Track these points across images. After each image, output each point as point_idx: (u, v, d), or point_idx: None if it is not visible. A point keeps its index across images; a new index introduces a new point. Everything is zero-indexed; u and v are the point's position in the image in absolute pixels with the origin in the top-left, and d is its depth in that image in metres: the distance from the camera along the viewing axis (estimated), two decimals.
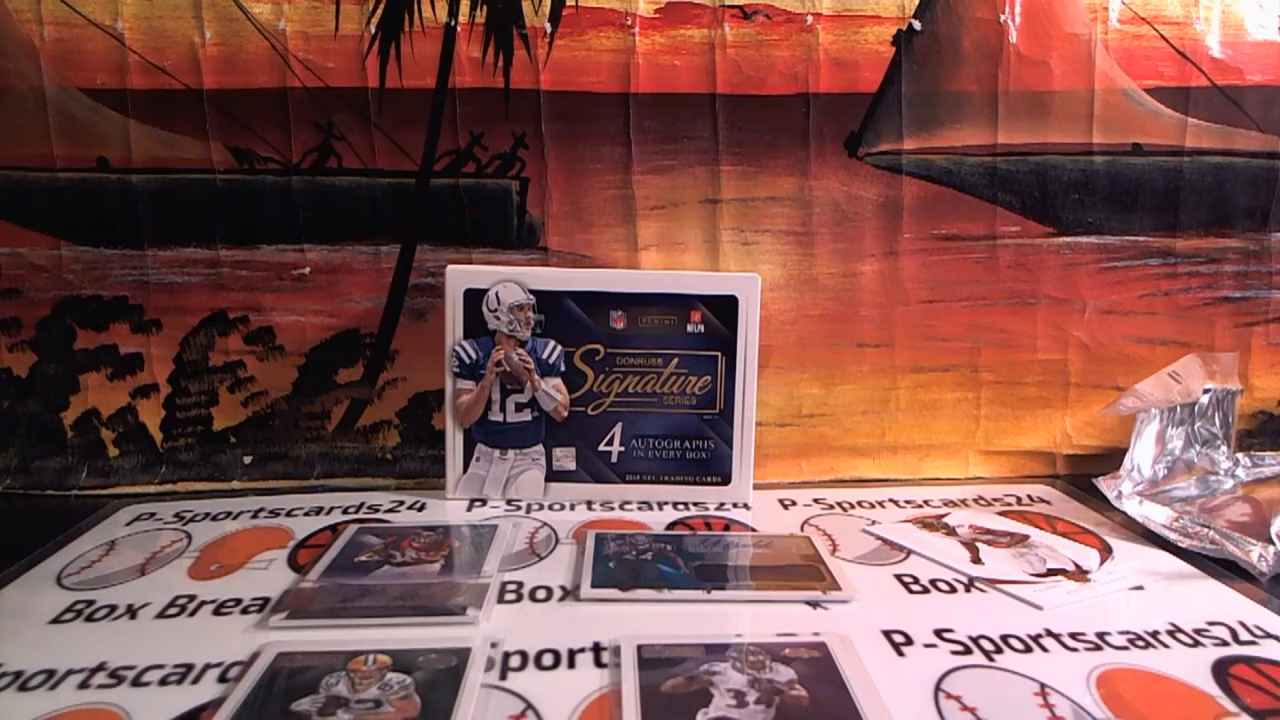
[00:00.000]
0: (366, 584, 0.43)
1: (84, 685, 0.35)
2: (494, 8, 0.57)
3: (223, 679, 0.35)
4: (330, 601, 0.41)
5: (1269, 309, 0.63)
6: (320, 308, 0.60)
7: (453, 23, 0.57)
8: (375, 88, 0.57)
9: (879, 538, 0.50)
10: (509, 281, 0.54)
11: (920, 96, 0.59)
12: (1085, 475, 0.57)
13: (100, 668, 0.36)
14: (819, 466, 0.63)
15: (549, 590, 0.43)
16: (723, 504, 0.56)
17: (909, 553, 0.48)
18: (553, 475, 0.56)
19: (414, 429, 0.62)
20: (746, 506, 0.55)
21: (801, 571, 0.45)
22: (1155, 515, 0.51)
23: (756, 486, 0.57)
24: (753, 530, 0.52)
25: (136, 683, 0.35)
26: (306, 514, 0.54)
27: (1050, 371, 0.63)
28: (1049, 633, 0.39)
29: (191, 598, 0.42)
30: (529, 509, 0.55)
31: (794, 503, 0.57)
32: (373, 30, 0.57)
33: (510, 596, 0.42)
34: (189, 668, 0.36)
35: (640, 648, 0.36)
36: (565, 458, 0.56)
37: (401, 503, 0.56)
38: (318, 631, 0.39)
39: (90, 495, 0.59)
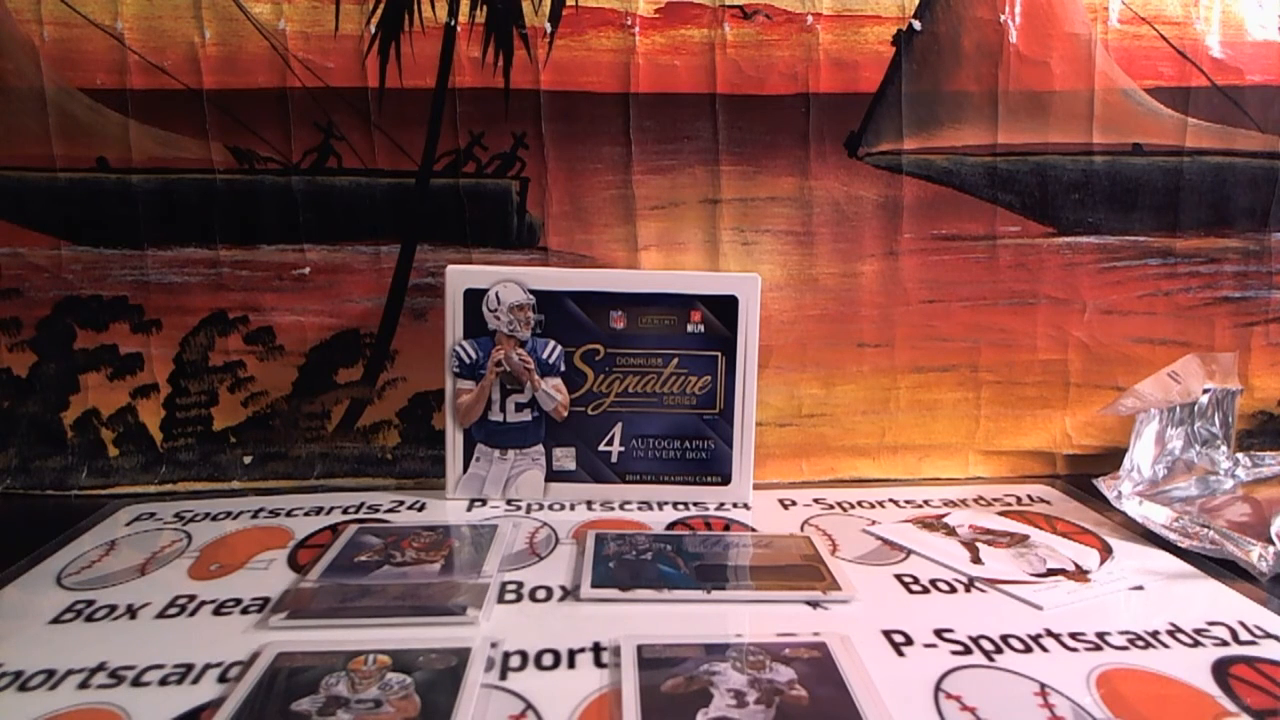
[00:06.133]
0: (366, 584, 0.43)
1: (84, 685, 0.35)
2: (494, 8, 0.57)
3: (223, 679, 0.35)
4: (330, 601, 0.41)
5: (1269, 309, 0.63)
6: (320, 308, 0.60)
7: (453, 23, 0.57)
8: (375, 88, 0.57)
9: (879, 538, 0.50)
10: (509, 281, 0.54)
11: (920, 96, 0.59)
12: (1085, 475, 0.57)
13: (100, 668, 0.36)
14: (819, 466, 0.63)
15: (549, 590, 0.43)
16: (723, 504, 0.56)
17: (909, 553, 0.48)
18: (553, 475, 0.56)
19: (414, 429, 0.62)
20: (746, 506, 0.55)
21: (801, 571, 0.45)
22: (1155, 515, 0.51)
23: (756, 486, 0.57)
24: (753, 530, 0.52)
25: (136, 683, 0.35)
26: (306, 514, 0.54)
27: (1050, 371, 0.63)
28: (1049, 633, 0.39)
29: (191, 598, 0.42)
30: (529, 509, 0.55)
31: (794, 503, 0.57)
32: (373, 30, 0.57)
33: (510, 596, 0.42)
34: (189, 668, 0.36)
35: (640, 648, 0.36)
36: (565, 458, 0.56)
37: (401, 503, 0.56)
38: (318, 631, 0.39)
39: (90, 495, 0.59)
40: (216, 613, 0.41)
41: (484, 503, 0.56)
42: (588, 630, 0.39)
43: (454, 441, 0.56)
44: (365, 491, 0.58)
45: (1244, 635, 0.39)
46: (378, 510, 0.55)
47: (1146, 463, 0.55)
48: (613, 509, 0.55)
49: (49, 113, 0.56)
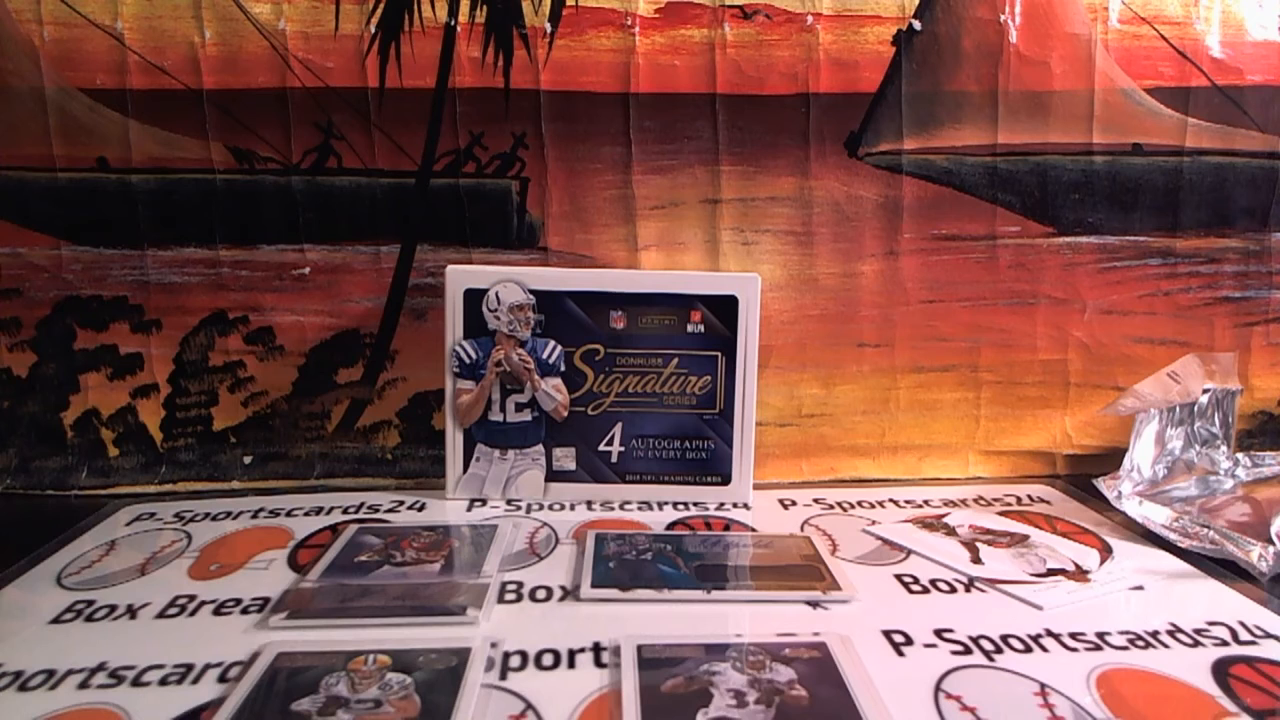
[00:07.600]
0: (366, 584, 0.43)
1: (84, 685, 0.35)
2: (494, 8, 0.57)
3: (223, 679, 0.35)
4: (330, 601, 0.41)
5: (1269, 309, 0.63)
6: (320, 308, 0.60)
7: (453, 23, 0.57)
8: (375, 88, 0.57)
9: (879, 538, 0.50)
10: (509, 281, 0.54)
11: (920, 96, 0.59)
12: (1085, 475, 0.57)
13: (100, 668, 0.36)
14: (819, 466, 0.63)
15: (549, 590, 0.43)
16: (723, 504, 0.56)
17: (909, 553, 0.48)
18: (553, 475, 0.56)
19: (414, 429, 0.62)
20: (746, 506, 0.55)
21: (801, 571, 0.45)
22: (1155, 515, 0.51)
23: (756, 486, 0.56)
24: (753, 530, 0.52)
25: (136, 683, 0.35)
26: (306, 514, 0.54)
27: (1050, 371, 0.63)
28: (1049, 633, 0.39)
29: (191, 598, 0.42)
30: (529, 509, 0.55)
31: (794, 503, 0.57)
32: (373, 30, 0.57)
33: (510, 596, 0.42)
34: (189, 668, 0.36)
35: (640, 648, 0.36)
36: (565, 458, 0.56)
37: (401, 503, 0.56)
38: (318, 631, 0.39)
39: (90, 495, 0.59)
40: (216, 613, 0.41)
41: (484, 503, 0.56)
42: (588, 630, 0.39)
43: (454, 441, 0.56)
44: (365, 491, 0.58)
45: (1244, 635, 0.39)
46: (378, 510, 0.55)
47: (1146, 463, 0.55)
48: (613, 509, 0.55)
49: (49, 113, 0.56)
